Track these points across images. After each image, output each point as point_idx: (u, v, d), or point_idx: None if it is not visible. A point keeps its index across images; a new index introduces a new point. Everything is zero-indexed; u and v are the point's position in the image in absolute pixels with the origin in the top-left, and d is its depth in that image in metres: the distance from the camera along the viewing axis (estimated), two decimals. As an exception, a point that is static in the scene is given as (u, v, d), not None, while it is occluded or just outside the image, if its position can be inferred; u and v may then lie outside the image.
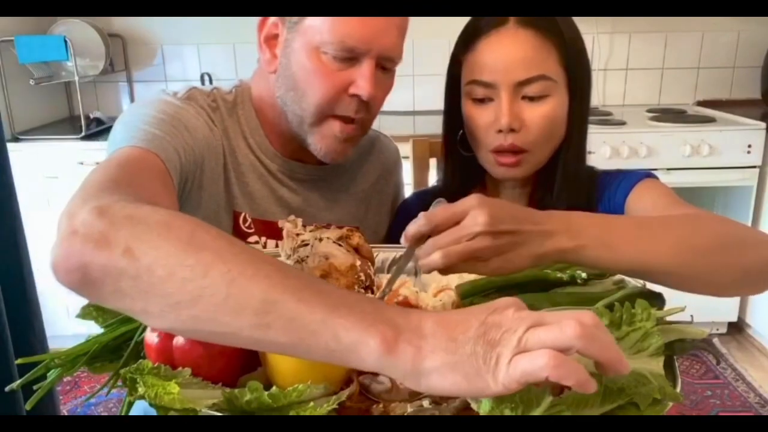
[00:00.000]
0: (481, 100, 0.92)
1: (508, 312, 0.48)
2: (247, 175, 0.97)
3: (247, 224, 0.96)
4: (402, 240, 0.64)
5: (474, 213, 0.60)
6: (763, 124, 2.44)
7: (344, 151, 0.94)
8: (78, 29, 2.61)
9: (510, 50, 0.89)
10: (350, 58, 0.87)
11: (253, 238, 0.96)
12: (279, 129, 0.97)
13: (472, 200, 0.61)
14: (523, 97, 0.90)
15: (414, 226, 0.63)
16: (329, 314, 0.48)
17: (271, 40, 0.94)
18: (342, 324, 0.47)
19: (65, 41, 2.46)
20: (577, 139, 0.96)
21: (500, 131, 0.90)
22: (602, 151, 2.39)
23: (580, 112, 0.95)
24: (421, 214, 0.63)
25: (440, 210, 0.62)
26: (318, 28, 0.87)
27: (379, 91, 0.91)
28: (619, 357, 0.47)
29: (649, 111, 2.79)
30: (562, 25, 0.91)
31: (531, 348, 0.45)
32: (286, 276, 0.50)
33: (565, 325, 0.45)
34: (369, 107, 0.91)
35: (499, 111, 0.90)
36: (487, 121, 0.92)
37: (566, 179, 0.96)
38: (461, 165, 1.02)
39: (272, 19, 0.92)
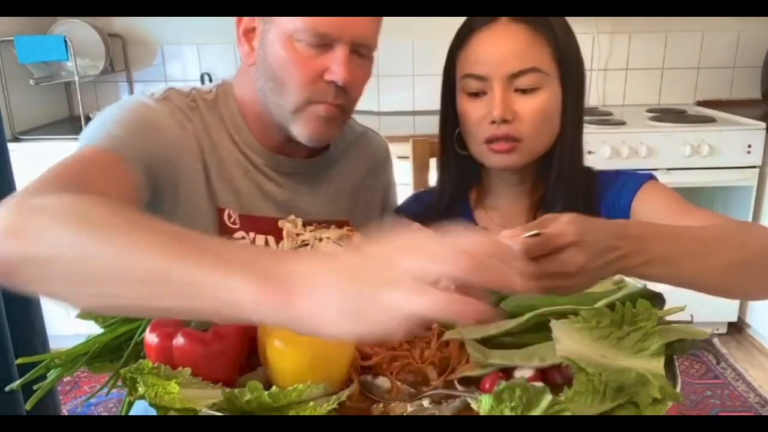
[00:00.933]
0: (476, 94, 0.94)
1: (381, 248, 0.48)
2: (231, 170, 0.97)
3: (231, 220, 0.97)
4: None
5: (573, 251, 0.59)
6: (763, 124, 2.43)
7: (329, 133, 0.94)
8: (78, 29, 2.61)
9: (502, 44, 0.91)
10: (324, 44, 0.87)
11: (239, 234, 0.97)
12: (263, 123, 0.97)
13: (571, 234, 0.59)
14: (516, 90, 0.91)
15: (507, 244, 0.58)
16: (206, 273, 0.48)
17: (249, 33, 0.94)
18: (217, 283, 0.48)
19: (65, 41, 2.46)
20: (572, 134, 0.96)
21: (493, 122, 0.91)
22: (602, 151, 2.39)
23: (573, 107, 0.96)
24: (518, 243, 0.59)
25: (538, 243, 0.59)
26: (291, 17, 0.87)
27: (357, 78, 0.91)
28: (504, 276, 0.47)
29: (649, 111, 2.79)
30: (553, 21, 0.93)
31: (403, 284, 0.45)
32: (174, 243, 0.51)
33: (435, 258, 0.45)
34: (347, 93, 0.91)
35: (492, 103, 0.91)
36: (480, 113, 0.93)
37: (562, 175, 0.96)
38: (458, 164, 1.03)
39: None
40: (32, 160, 2.41)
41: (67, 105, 2.96)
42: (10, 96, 2.50)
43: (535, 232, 0.59)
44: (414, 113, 2.88)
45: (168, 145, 0.88)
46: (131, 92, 2.96)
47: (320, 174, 1.05)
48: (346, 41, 0.87)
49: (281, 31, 0.89)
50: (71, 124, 2.78)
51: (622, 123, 2.54)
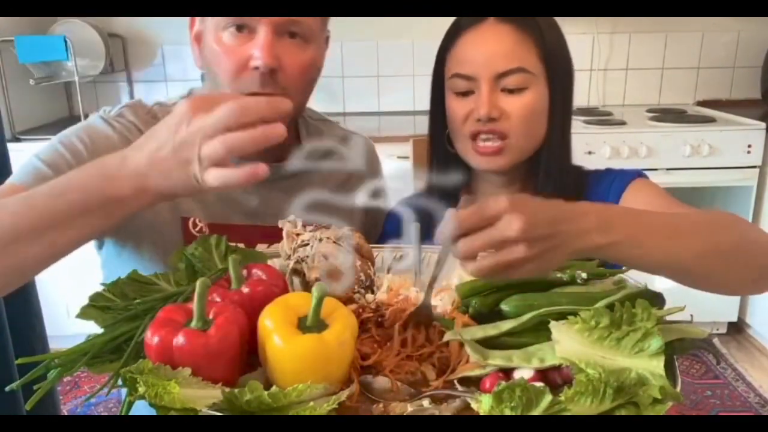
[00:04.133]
0: (464, 94, 0.95)
1: (194, 124, 0.64)
2: None
3: (197, 228, 0.96)
4: (437, 239, 0.62)
5: (508, 218, 0.57)
6: (763, 124, 2.44)
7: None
8: (78, 29, 2.61)
9: (489, 44, 0.92)
10: (247, 30, 0.85)
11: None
12: None
13: (503, 202, 0.57)
14: (503, 90, 0.92)
15: (445, 230, 0.60)
16: (77, 212, 0.67)
17: (198, 37, 0.93)
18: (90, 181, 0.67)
19: (65, 41, 2.46)
20: (559, 134, 0.97)
21: (479, 120, 0.92)
22: (602, 151, 2.39)
23: (561, 107, 0.96)
24: (452, 215, 0.59)
25: (471, 213, 0.58)
26: None
27: (288, 63, 0.87)
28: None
29: (649, 111, 2.79)
30: (541, 21, 0.94)
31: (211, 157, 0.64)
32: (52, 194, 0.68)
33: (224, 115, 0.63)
34: (277, 80, 0.87)
35: (479, 101, 0.92)
36: (467, 111, 0.94)
37: (549, 175, 0.97)
38: (447, 164, 1.04)
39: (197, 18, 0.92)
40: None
41: (67, 105, 2.96)
42: (10, 96, 2.50)
43: (468, 197, 0.58)
44: (414, 113, 2.88)
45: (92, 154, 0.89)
46: (131, 92, 2.97)
47: (294, 180, 1.03)
48: (266, 22, 0.84)
49: (212, 25, 0.88)
50: (71, 124, 2.77)
51: (622, 123, 2.54)
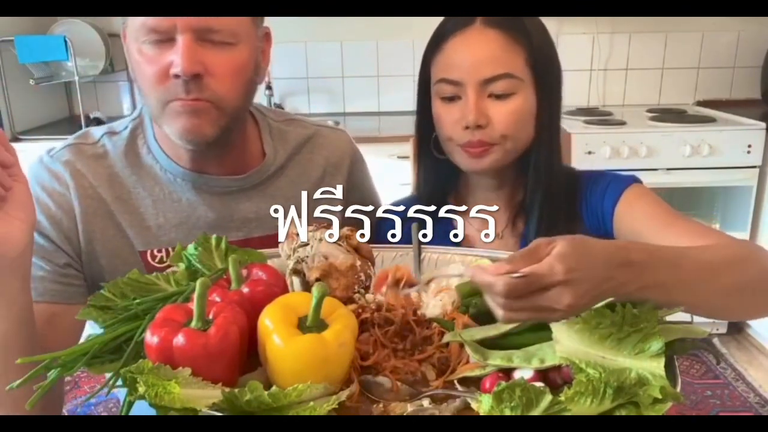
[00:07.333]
0: (450, 99, 0.94)
1: None
2: (150, 209, 0.95)
3: (157, 260, 0.95)
4: (468, 272, 0.62)
5: (560, 291, 0.57)
6: (763, 124, 2.44)
7: (200, 128, 0.87)
8: (78, 29, 2.61)
9: (476, 49, 0.91)
10: (165, 40, 0.84)
11: (171, 270, 0.90)
12: (170, 140, 0.92)
13: (559, 273, 0.56)
14: (490, 95, 0.92)
15: (492, 286, 0.58)
16: None
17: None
18: None
19: (65, 41, 2.46)
20: (548, 137, 0.96)
21: (467, 128, 0.92)
22: (602, 151, 2.39)
23: (549, 110, 0.96)
24: (501, 281, 0.57)
25: (523, 284, 0.57)
26: (131, 20, 0.85)
27: (213, 67, 0.85)
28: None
29: (649, 111, 2.79)
30: (529, 25, 0.93)
31: None
32: None
33: None
34: (202, 86, 0.85)
35: (466, 108, 0.91)
36: (454, 118, 0.93)
37: (539, 178, 0.96)
38: (436, 168, 1.02)
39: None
40: (32, 160, 2.42)
41: (67, 105, 2.96)
42: (10, 96, 2.50)
43: (520, 274, 0.56)
44: (414, 113, 2.88)
45: (53, 215, 0.92)
46: (131, 92, 2.97)
47: (262, 188, 1.00)
48: (184, 30, 0.83)
49: (131, 38, 0.87)
50: (71, 124, 2.78)
51: (622, 123, 2.54)
